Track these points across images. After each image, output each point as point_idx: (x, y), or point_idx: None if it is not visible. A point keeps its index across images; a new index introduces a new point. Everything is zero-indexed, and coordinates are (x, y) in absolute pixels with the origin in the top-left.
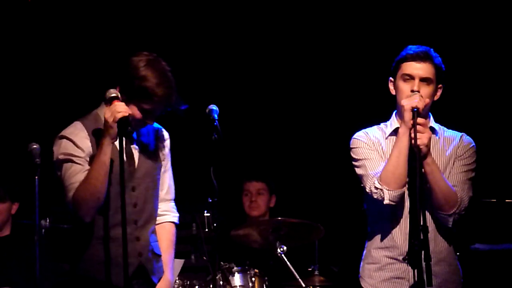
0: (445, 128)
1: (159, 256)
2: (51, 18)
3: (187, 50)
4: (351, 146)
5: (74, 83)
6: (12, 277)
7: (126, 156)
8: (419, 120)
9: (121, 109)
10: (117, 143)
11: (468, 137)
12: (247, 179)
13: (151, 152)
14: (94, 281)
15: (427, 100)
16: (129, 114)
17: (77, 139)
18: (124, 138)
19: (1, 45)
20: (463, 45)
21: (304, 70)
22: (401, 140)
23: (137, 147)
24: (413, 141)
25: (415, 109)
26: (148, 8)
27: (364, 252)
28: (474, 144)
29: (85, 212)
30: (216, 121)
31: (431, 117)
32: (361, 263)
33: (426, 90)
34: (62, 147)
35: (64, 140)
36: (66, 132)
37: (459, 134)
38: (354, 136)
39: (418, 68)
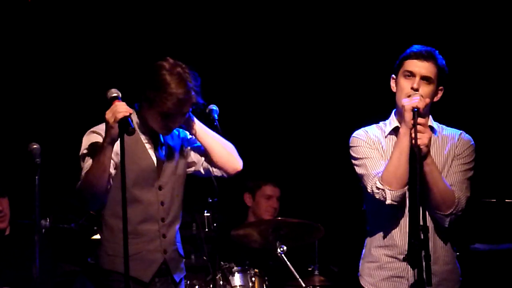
0: (444, 126)
1: (182, 257)
2: (51, 18)
3: (187, 51)
4: (350, 145)
5: (73, 83)
6: (12, 277)
7: (155, 158)
8: (420, 120)
9: (122, 109)
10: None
11: (467, 135)
12: (269, 182)
13: (176, 153)
14: (118, 275)
15: (427, 100)
16: (130, 113)
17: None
18: (148, 140)
19: (1, 45)
20: (463, 45)
21: (304, 70)
22: (402, 140)
23: (164, 149)
24: (413, 141)
25: (416, 109)
26: (149, 9)
27: (364, 250)
28: (473, 142)
29: (84, 203)
30: (216, 121)
31: (430, 116)
32: (361, 261)
33: (426, 88)
34: (89, 140)
35: (93, 134)
36: (96, 127)
37: (458, 132)
38: (354, 135)
39: (420, 66)
